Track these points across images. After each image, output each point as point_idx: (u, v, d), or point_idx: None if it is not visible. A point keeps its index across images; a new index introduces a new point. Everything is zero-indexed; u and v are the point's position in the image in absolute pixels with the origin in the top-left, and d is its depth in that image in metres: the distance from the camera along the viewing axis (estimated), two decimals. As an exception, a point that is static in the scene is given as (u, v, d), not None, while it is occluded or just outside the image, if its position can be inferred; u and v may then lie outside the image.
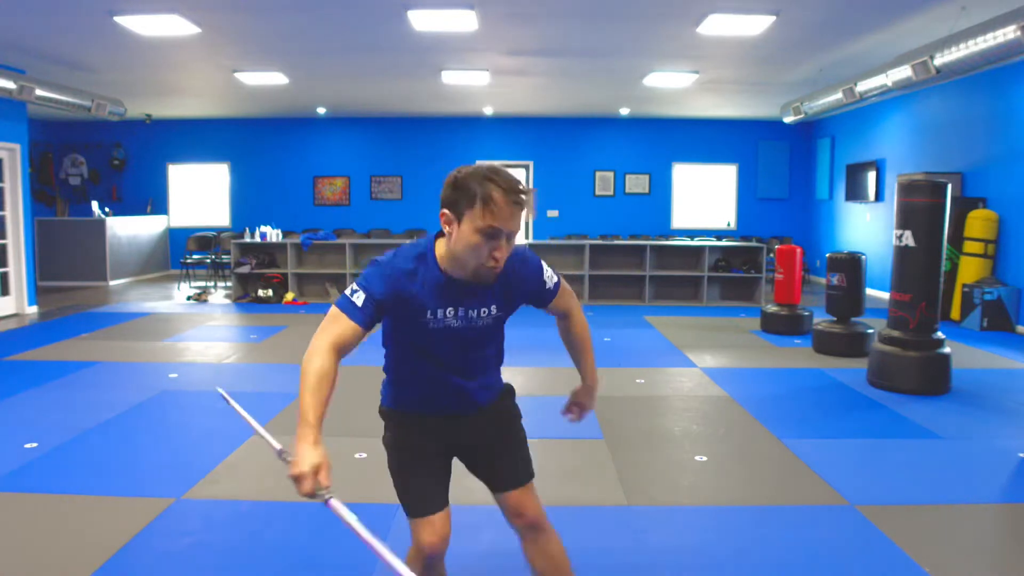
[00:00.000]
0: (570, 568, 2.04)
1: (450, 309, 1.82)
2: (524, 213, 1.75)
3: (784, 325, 7.24)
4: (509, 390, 2.14)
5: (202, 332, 7.23)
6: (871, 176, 10.27)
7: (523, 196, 1.71)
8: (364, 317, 1.73)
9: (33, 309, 8.51)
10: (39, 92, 7.83)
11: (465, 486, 3.36)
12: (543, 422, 4.34)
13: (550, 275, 2.03)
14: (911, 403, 4.75)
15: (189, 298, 9.58)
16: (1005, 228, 7.63)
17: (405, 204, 12.96)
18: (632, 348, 6.55)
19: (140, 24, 6.34)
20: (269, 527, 2.91)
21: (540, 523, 2.01)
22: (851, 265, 6.35)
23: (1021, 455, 3.77)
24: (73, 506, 3.08)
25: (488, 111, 12.08)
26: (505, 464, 2.06)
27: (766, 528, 2.94)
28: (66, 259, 11.03)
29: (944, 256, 5.15)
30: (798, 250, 7.35)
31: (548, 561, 2.00)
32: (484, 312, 1.87)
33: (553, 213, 12.95)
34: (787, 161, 12.87)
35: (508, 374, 4.81)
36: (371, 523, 3.02)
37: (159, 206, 13.01)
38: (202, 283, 11.08)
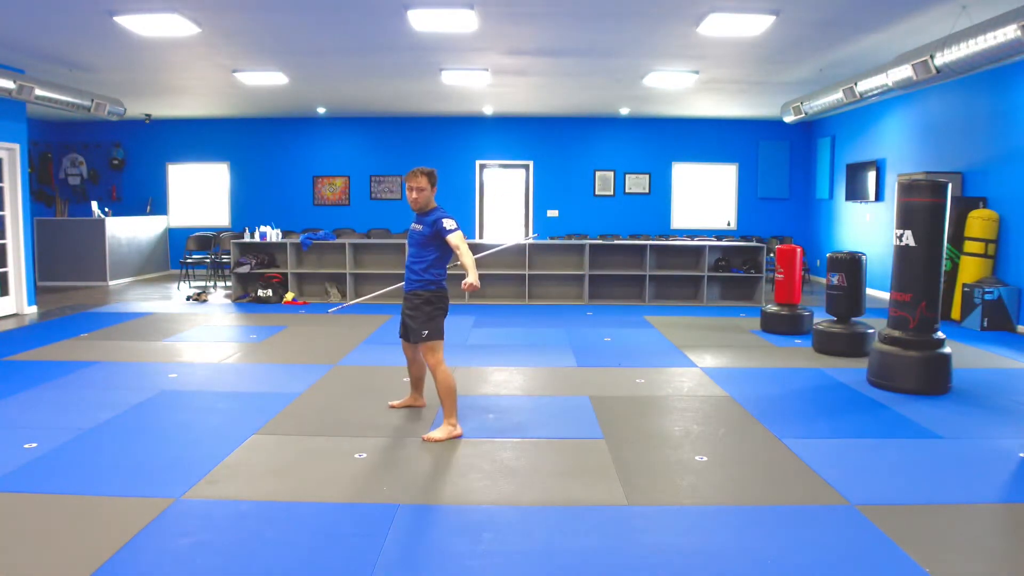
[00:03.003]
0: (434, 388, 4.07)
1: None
2: (418, 178, 4.03)
3: (784, 325, 7.24)
4: (428, 296, 4.04)
5: (202, 332, 7.22)
6: (871, 176, 10.27)
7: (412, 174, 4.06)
8: None
9: (33, 309, 8.51)
10: (38, 92, 7.83)
11: (465, 487, 3.36)
12: (543, 422, 4.34)
13: (450, 226, 3.99)
14: (911, 403, 4.75)
15: (189, 298, 9.58)
16: (1005, 228, 7.63)
17: (405, 204, 12.94)
18: (632, 348, 6.55)
19: (139, 24, 6.33)
20: (269, 527, 2.91)
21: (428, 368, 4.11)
22: (851, 265, 6.35)
23: (1021, 455, 3.77)
24: (73, 506, 3.07)
25: (488, 111, 12.08)
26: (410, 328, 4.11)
27: (766, 528, 2.94)
28: (66, 259, 11.03)
29: (944, 256, 5.15)
30: (798, 250, 7.35)
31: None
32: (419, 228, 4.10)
33: (553, 213, 12.95)
34: (787, 161, 12.87)
35: (506, 374, 4.89)
36: (371, 522, 3.03)
37: (159, 206, 13.01)
38: (202, 283, 11.08)
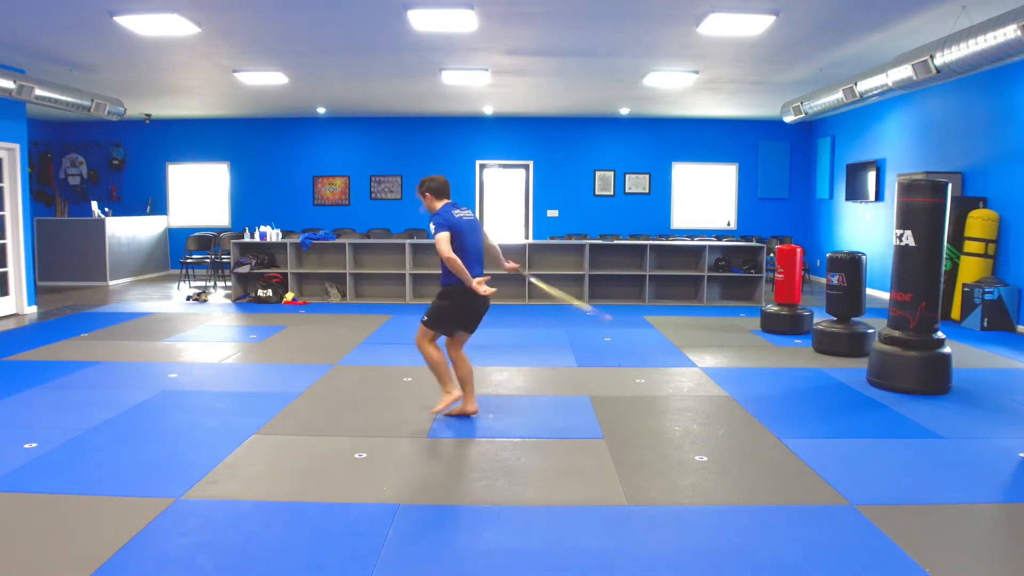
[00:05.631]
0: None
1: None
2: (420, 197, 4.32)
3: (784, 325, 7.24)
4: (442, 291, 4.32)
5: (202, 332, 7.22)
6: (871, 176, 10.27)
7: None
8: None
9: (33, 309, 8.51)
10: (38, 92, 7.83)
11: (465, 487, 3.36)
12: (543, 422, 4.35)
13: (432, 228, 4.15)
14: (911, 403, 4.75)
15: (189, 298, 9.58)
16: (1005, 228, 7.63)
17: (405, 204, 12.96)
18: (632, 348, 6.55)
19: (140, 24, 6.33)
20: (269, 527, 2.91)
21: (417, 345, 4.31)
22: (851, 265, 6.35)
23: (1021, 455, 3.77)
24: (73, 506, 3.07)
25: (488, 111, 12.08)
26: None
27: (766, 528, 2.94)
28: (66, 259, 11.02)
29: (944, 256, 5.15)
30: (798, 250, 7.35)
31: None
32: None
33: (553, 213, 12.95)
34: (787, 161, 12.88)
35: (507, 374, 4.88)
36: (371, 522, 3.03)
37: (159, 206, 13.01)
38: (202, 283, 11.08)
